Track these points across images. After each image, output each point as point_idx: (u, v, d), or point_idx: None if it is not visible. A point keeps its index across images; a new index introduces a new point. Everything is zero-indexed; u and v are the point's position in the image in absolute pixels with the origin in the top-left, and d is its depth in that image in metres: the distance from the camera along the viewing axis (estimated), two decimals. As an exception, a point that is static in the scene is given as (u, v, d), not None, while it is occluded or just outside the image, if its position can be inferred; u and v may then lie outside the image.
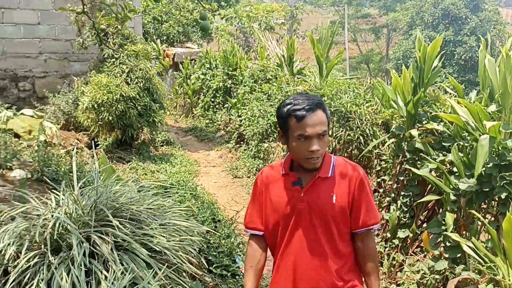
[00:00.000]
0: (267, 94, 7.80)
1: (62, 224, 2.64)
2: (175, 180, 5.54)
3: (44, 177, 4.33)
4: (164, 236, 2.74)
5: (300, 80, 7.04)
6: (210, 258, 3.86)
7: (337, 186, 1.90)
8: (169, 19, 14.97)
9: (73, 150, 4.90)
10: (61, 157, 5.30)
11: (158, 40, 13.65)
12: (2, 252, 2.61)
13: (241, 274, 4.01)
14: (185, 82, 11.81)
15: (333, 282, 1.91)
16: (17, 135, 6.11)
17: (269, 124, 7.09)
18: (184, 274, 2.73)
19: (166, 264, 2.59)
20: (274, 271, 2.03)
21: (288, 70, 7.80)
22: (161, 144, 8.32)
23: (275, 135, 6.98)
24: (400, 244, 4.09)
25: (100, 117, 6.76)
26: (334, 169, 1.93)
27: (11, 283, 2.51)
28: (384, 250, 4.21)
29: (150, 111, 7.15)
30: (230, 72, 10.11)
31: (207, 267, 3.52)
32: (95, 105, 6.69)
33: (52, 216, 2.66)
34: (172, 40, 14.83)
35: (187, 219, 3.14)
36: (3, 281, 2.60)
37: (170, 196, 3.71)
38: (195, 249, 2.93)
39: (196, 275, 2.91)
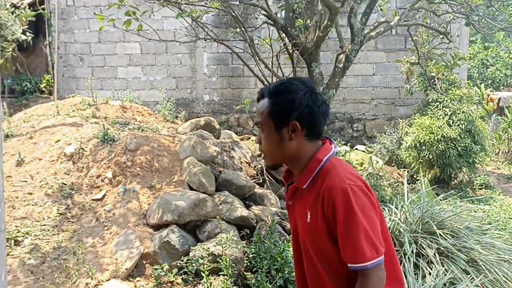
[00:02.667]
0: None
1: (397, 227, 3.40)
2: (493, 220, 5.59)
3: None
4: (481, 252, 3.12)
5: None
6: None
7: (313, 202, 1.49)
8: (496, 63, 14.46)
9: (401, 180, 5.71)
10: (386, 186, 6.22)
11: (482, 85, 13.39)
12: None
13: None
14: (510, 127, 11.18)
15: None
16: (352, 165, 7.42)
17: None
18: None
19: (483, 274, 2.96)
20: None
21: None
22: (480, 187, 8.25)
23: None
24: None
25: (421, 155, 7.41)
26: (314, 179, 1.52)
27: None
28: None
29: (470, 152, 7.33)
30: None
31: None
32: (417, 144, 7.40)
33: (390, 219, 3.46)
34: (497, 84, 14.23)
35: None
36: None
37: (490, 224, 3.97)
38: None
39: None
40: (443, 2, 4.31)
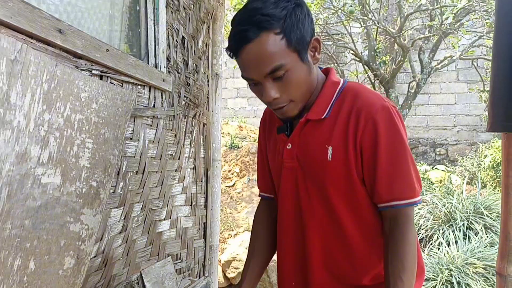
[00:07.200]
0: None
1: (454, 210, 4.50)
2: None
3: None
4: None
5: None
6: None
7: (336, 133, 1.13)
8: None
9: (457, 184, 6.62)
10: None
11: None
12: (420, 222, 4.70)
13: None
14: None
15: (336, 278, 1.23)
16: (431, 182, 8.36)
17: None
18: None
19: None
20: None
21: None
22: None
23: None
24: None
25: (497, 174, 8.14)
26: (334, 105, 1.15)
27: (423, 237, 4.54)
28: None
29: (547, 172, 7.93)
30: None
31: None
32: (494, 165, 8.15)
33: (451, 205, 4.57)
34: None
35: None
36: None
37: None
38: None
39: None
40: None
